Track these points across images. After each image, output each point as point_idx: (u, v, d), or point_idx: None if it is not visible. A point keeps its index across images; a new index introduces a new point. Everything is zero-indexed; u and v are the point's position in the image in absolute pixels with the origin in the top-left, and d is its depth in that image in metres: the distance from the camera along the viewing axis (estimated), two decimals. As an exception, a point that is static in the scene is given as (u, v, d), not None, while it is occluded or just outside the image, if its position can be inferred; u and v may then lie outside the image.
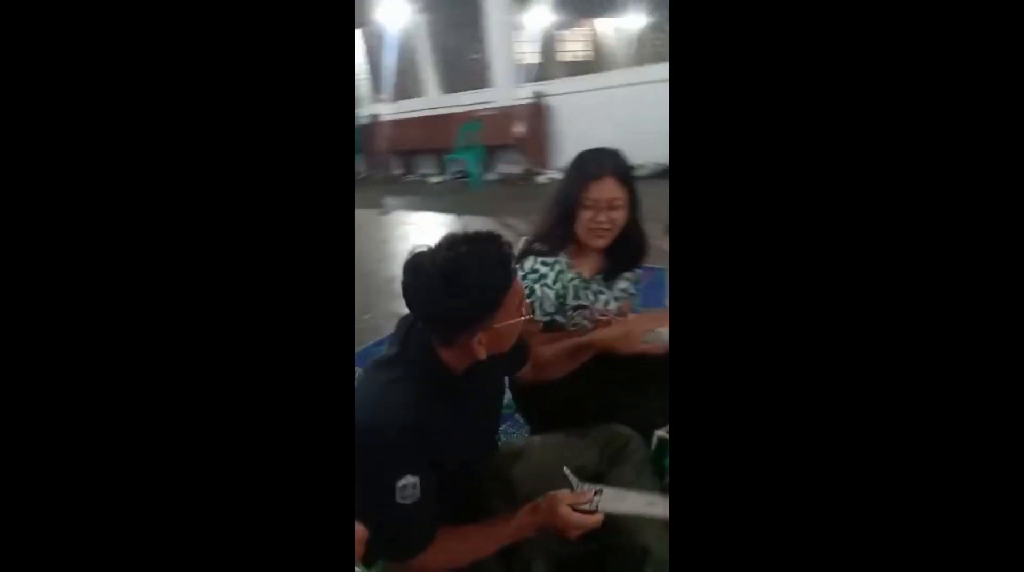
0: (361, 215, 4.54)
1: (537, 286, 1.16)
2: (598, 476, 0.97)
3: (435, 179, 6.01)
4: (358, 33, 6.69)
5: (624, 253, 1.23)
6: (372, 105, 6.91)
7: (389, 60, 6.61)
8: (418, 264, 0.73)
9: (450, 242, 0.74)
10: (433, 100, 6.35)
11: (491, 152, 6.00)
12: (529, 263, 1.18)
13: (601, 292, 1.25)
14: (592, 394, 1.15)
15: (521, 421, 1.42)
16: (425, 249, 0.75)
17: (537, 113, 5.30)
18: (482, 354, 0.77)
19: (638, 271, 1.31)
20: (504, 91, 5.68)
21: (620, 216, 1.14)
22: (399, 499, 0.72)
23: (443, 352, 0.79)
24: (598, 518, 0.80)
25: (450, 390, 0.81)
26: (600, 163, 1.13)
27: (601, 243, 1.16)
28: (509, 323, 0.78)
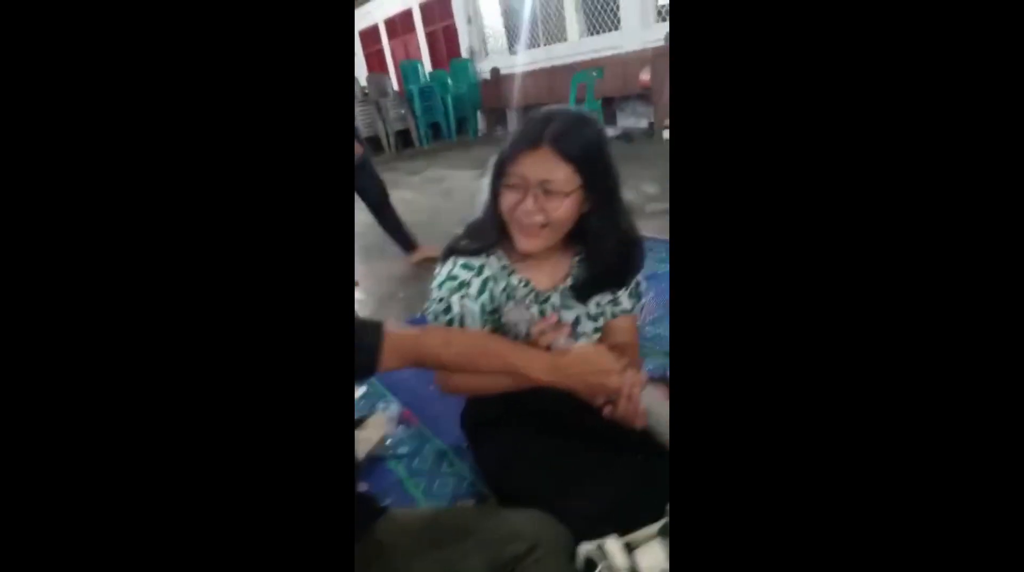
0: (462, 178, 4.37)
1: (455, 299, 0.80)
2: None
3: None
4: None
5: (600, 259, 0.81)
6: (491, 58, 6.59)
7: (527, 4, 6.11)
8: None
9: None
10: (567, 47, 5.79)
11: (612, 104, 5.37)
12: (448, 266, 0.82)
13: (569, 307, 0.84)
14: (540, 451, 0.78)
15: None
16: None
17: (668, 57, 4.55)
18: None
19: (638, 280, 0.87)
20: (634, 33, 4.98)
21: (560, 207, 0.73)
22: None
23: None
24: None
25: None
26: (537, 126, 0.72)
27: (529, 245, 0.76)
28: None
